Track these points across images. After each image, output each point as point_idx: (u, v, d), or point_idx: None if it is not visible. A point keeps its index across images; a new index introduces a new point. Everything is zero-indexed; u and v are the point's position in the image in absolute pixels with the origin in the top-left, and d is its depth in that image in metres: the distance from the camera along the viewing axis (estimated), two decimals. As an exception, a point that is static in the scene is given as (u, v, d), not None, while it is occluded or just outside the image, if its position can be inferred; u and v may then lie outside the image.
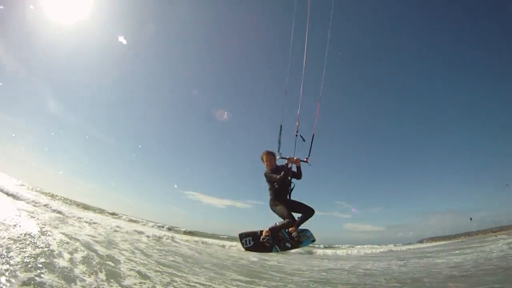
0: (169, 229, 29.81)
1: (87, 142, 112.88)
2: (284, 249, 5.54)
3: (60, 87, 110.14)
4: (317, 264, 17.88)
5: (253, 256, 15.83)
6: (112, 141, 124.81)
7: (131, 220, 29.39)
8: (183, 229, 32.98)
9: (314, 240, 5.76)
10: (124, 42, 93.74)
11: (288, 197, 5.53)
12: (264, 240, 5.41)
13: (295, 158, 5.36)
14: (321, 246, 61.94)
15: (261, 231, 5.53)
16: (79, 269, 6.67)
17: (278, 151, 5.40)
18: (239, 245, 5.69)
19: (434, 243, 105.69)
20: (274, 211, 5.45)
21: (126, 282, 6.74)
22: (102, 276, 6.69)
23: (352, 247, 66.63)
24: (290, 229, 5.53)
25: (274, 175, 5.39)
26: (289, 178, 5.49)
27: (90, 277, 6.38)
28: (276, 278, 10.09)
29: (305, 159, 5.46)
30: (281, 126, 5.42)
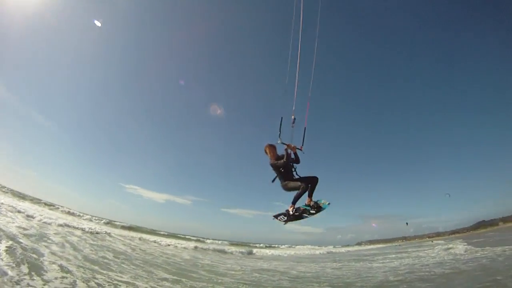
0: (107, 223, 28.93)
1: (27, 127, 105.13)
2: (311, 214, 6.41)
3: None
4: (252, 265, 17.88)
5: (187, 254, 15.74)
6: (54, 128, 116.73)
7: (68, 213, 28.40)
8: (121, 224, 32.14)
9: (329, 203, 6.50)
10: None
11: (293, 176, 6.47)
12: (294, 212, 6.43)
13: (292, 145, 6.35)
14: (261, 245, 63.13)
15: (287, 210, 6.53)
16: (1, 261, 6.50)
17: (279, 137, 6.37)
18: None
19: (372, 246, 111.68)
20: (288, 189, 6.45)
21: (48, 275, 6.63)
22: (24, 269, 6.53)
23: (292, 247, 68.70)
24: (307, 201, 6.43)
25: (279, 162, 6.36)
26: (291, 163, 6.47)
27: (12, 270, 6.26)
28: (205, 278, 10.04)
29: (300, 147, 6.46)
30: (281, 118, 6.39)
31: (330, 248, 67.66)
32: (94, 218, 29.18)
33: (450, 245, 34.58)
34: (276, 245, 66.84)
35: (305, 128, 6.51)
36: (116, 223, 31.03)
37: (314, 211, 6.39)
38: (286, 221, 6.55)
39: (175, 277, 9.23)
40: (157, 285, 7.90)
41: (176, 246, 23.04)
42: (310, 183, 6.33)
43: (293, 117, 6.39)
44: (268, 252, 35.05)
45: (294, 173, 6.52)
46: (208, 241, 44.30)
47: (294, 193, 6.41)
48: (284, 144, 6.32)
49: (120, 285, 7.19)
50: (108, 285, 7.10)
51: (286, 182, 6.39)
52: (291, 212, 6.45)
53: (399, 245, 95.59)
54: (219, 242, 46.54)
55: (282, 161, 6.29)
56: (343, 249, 67.82)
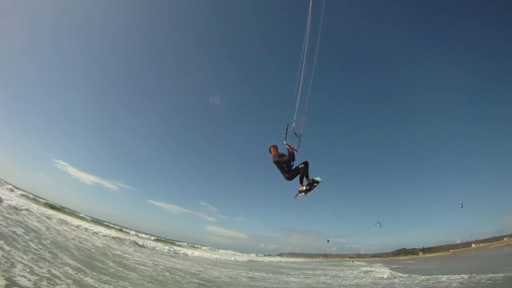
0: (31, 198, 26.70)
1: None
2: (314, 186, 7.94)
3: None
4: (165, 263, 17.61)
5: (101, 242, 15.24)
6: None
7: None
8: (44, 201, 29.95)
9: (321, 178, 8.04)
10: None
11: (291, 168, 7.81)
12: (306, 187, 7.82)
13: (292, 146, 7.70)
14: (184, 243, 62.43)
15: (300, 190, 7.91)
16: None
17: (285, 139, 7.67)
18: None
19: (293, 259, 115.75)
20: (292, 178, 7.89)
21: None
22: None
23: (214, 250, 68.84)
24: (306, 181, 7.87)
25: (283, 159, 7.75)
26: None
27: None
28: (112, 270, 9.77)
29: (296, 149, 7.74)
30: (287, 125, 7.67)
31: (253, 256, 69.06)
32: (16, 188, 27.04)
33: (372, 268, 36.42)
34: (199, 246, 66.67)
35: (300, 134, 7.80)
36: (39, 199, 28.78)
37: (316, 184, 7.97)
38: (305, 194, 7.98)
39: (79, 265, 8.87)
40: (57, 271, 7.50)
41: (95, 232, 21.91)
42: (304, 165, 7.87)
43: (293, 124, 7.73)
44: (189, 252, 34.56)
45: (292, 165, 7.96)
46: (132, 232, 42.90)
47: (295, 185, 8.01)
48: (287, 145, 7.69)
49: (16, 265, 6.89)
50: (5, 262, 6.74)
51: (288, 174, 7.84)
52: (304, 188, 7.84)
53: (319, 261, 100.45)
54: (142, 235, 45.20)
55: (287, 158, 7.74)
56: (266, 259, 69.32)
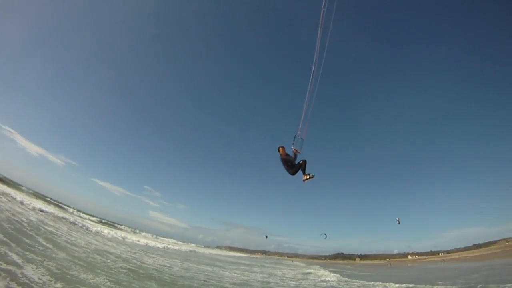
0: None
1: None
2: (311, 178, 9.76)
3: None
4: (98, 244, 17.23)
5: (35, 217, 14.70)
6: None
7: None
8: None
9: (314, 174, 9.86)
10: None
11: (294, 165, 9.59)
12: (308, 177, 9.69)
13: (297, 149, 9.40)
14: (125, 227, 60.85)
15: (304, 179, 9.74)
16: None
17: (294, 142, 9.27)
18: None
19: (232, 253, 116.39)
20: (295, 173, 9.66)
21: None
22: None
23: (156, 237, 67.92)
24: (304, 177, 9.78)
25: (288, 158, 9.55)
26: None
27: None
28: (39, 248, 9.50)
29: (299, 151, 9.45)
30: (295, 134, 9.21)
31: (193, 246, 69.15)
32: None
33: (310, 270, 37.38)
34: (140, 231, 65.18)
35: (303, 139, 9.36)
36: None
37: (313, 175, 9.83)
38: (310, 179, 9.84)
39: (5, 239, 8.56)
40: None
41: (33, 207, 20.85)
42: (303, 162, 9.68)
43: (299, 132, 9.28)
44: (128, 236, 33.82)
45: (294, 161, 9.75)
46: (71, 210, 41.17)
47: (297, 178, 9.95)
48: (294, 148, 9.37)
49: None
50: None
51: (292, 170, 9.62)
52: (308, 177, 9.70)
53: (257, 257, 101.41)
54: (82, 214, 43.51)
55: (292, 158, 9.57)
56: (207, 250, 69.51)
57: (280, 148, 9.60)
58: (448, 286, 15.70)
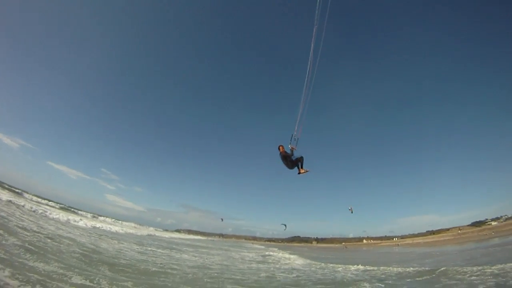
0: None
1: None
2: (306, 172, 11.21)
3: None
4: (52, 229, 16.69)
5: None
6: None
7: None
8: None
9: (308, 170, 11.29)
10: None
11: (292, 160, 10.88)
12: (304, 171, 11.09)
13: (294, 147, 10.72)
14: (82, 212, 58.80)
15: (300, 172, 11.11)
16: None
17: (291, 142, 10.68)
18: None
19: (189, 236, 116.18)
20: (292, 167, 11.00)
21: None
22: None
23: (115, 221, 66.32)
24: (302, 170, 11.10)
25: (287, 154, 10.82)
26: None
27: None
28: None
29: (295, 147, 10.74)
30: (292, 134, 10.61)
31: (152, 230, 68.31)
32: None
33: (271, 253, 38.18)
34: (97, 215, 63.32)
35: (298, 138, 10.72)
36: None
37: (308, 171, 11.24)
38: (303, 173, 11.21)
39: None
40: None
41: None
42: (301, 158, 11.02)
43: (295, 132, 10.65)
44: (84, 220, 32.40)
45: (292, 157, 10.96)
46: (26, 194, 39.19)
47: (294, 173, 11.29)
48: (291, 146, 10.70)
49: None
50: None
51: (290, 165, 10.91)
52: (303, 171, 11.08)
53: (213, 240, 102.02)
54: (36, 198, 41.69)
55: (290, 154, 10.80)
56: (165, 234, 68.84)
57: (280, 147, 10.98)
58: (410, 268, 16.39)
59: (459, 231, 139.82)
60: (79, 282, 7.23)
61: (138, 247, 20.29)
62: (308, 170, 11.16)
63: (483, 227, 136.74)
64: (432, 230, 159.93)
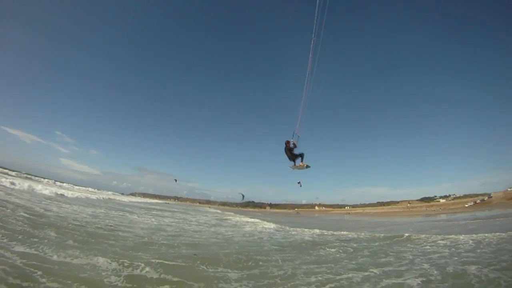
0: None
1: None
2: (307, 167, 12.98)
3: None
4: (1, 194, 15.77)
5: None
6: None
7: None
8: None
9: (309, 166, 13.00)
10: None
11: (294, 153, 12.75)
12: (303, 164, 12.74)
13: (295, 142, 12.50)
14: (36, 177, 55.97)
15: (301, 164, 12.75)
16: None
17: (292, 137, 12.42)
18: None
19: (146, 199, 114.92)
20: (295, 159, 12.78)
21: None
22: None
23: (72, 186, 64.24)
24: (301, 164, 12.77)
25: (291, 148, 12.60)
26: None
27: None
28: None
29: (296, 143, 12.49)
30: (293, 132, 12.31)
31: (110, 194, 67.08)
32: None
33: (229, 217, 39.07)
34: (53, 181, 60.85)
35: (298, 136, 12.50)
36: None
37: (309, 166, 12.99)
38: (298, 169, 12.98)
39: None
40: None
41: None
42: (302, 154, 12.79)
43: (296, 130, 12.30)
44: (37, 186, 30.95)
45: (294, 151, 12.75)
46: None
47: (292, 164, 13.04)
48: (293, 141, 12.44)
49: None
50: None
51: (293, 156, 12.72)
52: (301, 164, 12.72)
53: (168, 203, 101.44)
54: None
55: (293, 148, 12.57)
56: (126, 198, 68.09)
57: (287, 142, 12.55)
58: (366, 233, 17.77)
59: (409, 205, 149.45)
60: (21, 250, 6.98)
61: (90, 210, 19.93)
62: (309, 166, 12.93)
63: (432, 203, 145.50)
64: (383, 202, 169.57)
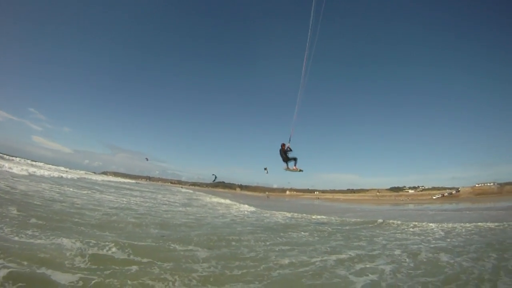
0: None
1: None
2: (300, 171, 13.35)
3: None
4: None
5: None
6: None
7: None
8: None
9: (302, 170, 13.38)
10: None
11: (288, 156, 12.99)
12: (295, 168, 13.07)
13: (289, 146, 12.84)
14: (12, 158, 53.13)
15: (291, 168, 13.04)
16: None
17: (289, 142, 12.76)
18: None
19: (118, 179, 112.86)
20: (288, 161, 13.05)
21: None
22: None
23: (45, 165, 61.66)
24: (294, 168, 13.08)
25: (286, 151, 12.86)
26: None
27: None
28: None
29: (290, 147, 12.86)
30: (289, 137, 12.82)
31: (83, 174, 65.27)
32: None
33: (201, 197, 39.36)
34: (25, 159, 58.24)
35: (289, 139, 12.86)
36: None
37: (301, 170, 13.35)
38: (290, 170, 13.21)
39: None
40: None
41: None
42: (295, 158, 13.11)
43: (291, 134, 12.81)
44: (7, 165, 30.02)
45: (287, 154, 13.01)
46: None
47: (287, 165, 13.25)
48: (288, 145, 12.80)
49: None
50: None
51: (287, 159, 12.97)
52: (293, 168, 13.10)
53: (138, 182, 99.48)
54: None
55: (287, 150, 12.83)
56: (99, 177, 66.36)
57: (282, 145, 12.95)
58: (336, 217, 18.26)
59: (378, 193, 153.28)
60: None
61: (58, 188, 19.33)
62: (301, 170, 13.41)
63: (401, 193, 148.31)
64: (353, 189, 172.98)
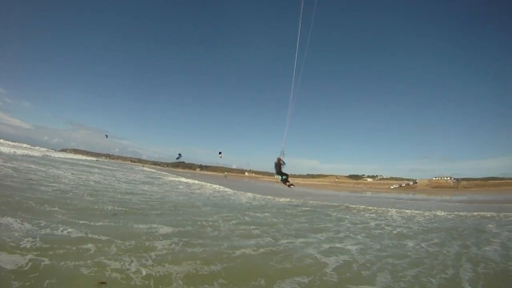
0: None
1: None
2: (291, 186, 14.60)
3: None
4: None
5: None
6: None
7: None
8: None
9: (293, 185, 14.88)
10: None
11: (281, 169, 13.49)
12: (288, 184, 14.03)
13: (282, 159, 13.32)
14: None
15: (285, 183, 13.84)
16: None
17: (283, 155, 13.30)
18: None
19: (77, 156, 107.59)
20: (281, 174, 13.50)
21: None
22: None
23: (6, 141, 57.09)
24: (287, 183, 13.88)
25: (280, 163, 13.35)
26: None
27: None
28: None
29: (282, 159, 13.36)
30: (283, 150, 13.39)
31: (45, 151, 61.74)
32: None
33: (164, 177, 38.52)
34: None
35: (283, 153, 13.40)
36: None
37: (291, 186, 14.36)
38: (283, 183, 13.82)
39: None
40: None
41: None
42: (287, 175, 13.70)
43: (282, 148, 13.36)
44: None
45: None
46: None
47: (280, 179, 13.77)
48: (282, 158, 13.28)
49: None
50: None
51: (280, 172, 13.39)
52: (288, 184, 13.96)
53: (98, 160, 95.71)
54: None
55: (281, 164, 13.32)
56: (56, 154, 62.83)
57: (278, 159, 13.38)
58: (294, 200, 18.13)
59: (336, 179, 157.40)
60: None
61: (13, 165, 18.18)
62: (292, 185, 14.54)
63: (360, 181, 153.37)
64: (312, 174, 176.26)
